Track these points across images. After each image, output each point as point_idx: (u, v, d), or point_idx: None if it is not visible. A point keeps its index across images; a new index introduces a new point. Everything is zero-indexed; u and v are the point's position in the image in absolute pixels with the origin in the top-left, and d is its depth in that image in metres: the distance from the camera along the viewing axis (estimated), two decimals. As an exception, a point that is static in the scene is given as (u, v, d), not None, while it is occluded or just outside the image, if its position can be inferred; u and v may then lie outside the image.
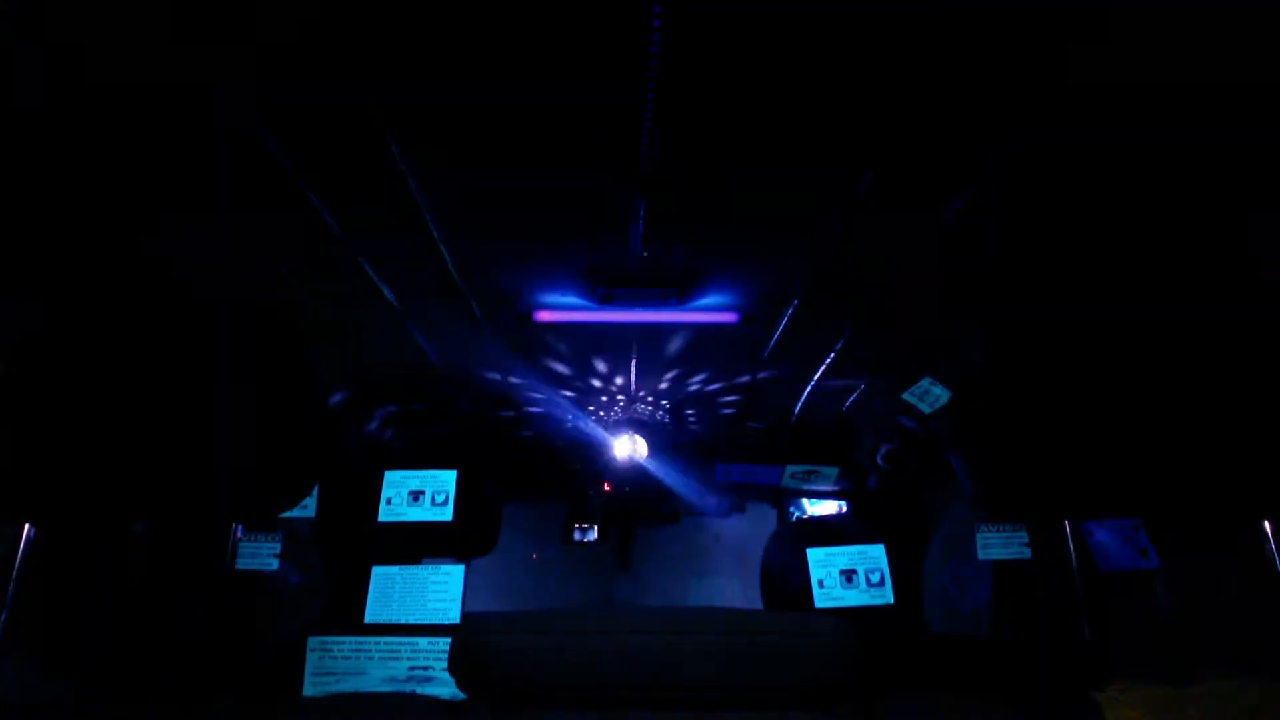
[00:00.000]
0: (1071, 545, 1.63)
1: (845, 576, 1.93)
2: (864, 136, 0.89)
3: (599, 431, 2.23)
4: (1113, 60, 0.76)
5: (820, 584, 1.92)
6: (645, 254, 1.18)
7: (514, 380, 1.85)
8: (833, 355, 1.62)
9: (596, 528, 3.20)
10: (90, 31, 0.73)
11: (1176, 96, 0.82)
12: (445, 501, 1.87)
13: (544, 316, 1.41)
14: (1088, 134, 0.88)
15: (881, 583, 1.92)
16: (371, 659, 1.72)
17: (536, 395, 1.97)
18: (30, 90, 0.80)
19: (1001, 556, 1.74)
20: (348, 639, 1.73)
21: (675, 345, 1.61)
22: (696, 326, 1.48)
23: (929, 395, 1.75)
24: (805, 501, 3.02)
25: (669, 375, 1.81)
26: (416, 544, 1.92)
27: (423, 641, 1.74)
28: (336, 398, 1.84)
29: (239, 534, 1.74)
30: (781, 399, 1.95)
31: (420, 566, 1.82)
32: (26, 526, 1.28)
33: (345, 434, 1.97)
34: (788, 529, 2.88)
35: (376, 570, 1.80)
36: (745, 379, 1.80)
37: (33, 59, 0.75)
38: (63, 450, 0.83)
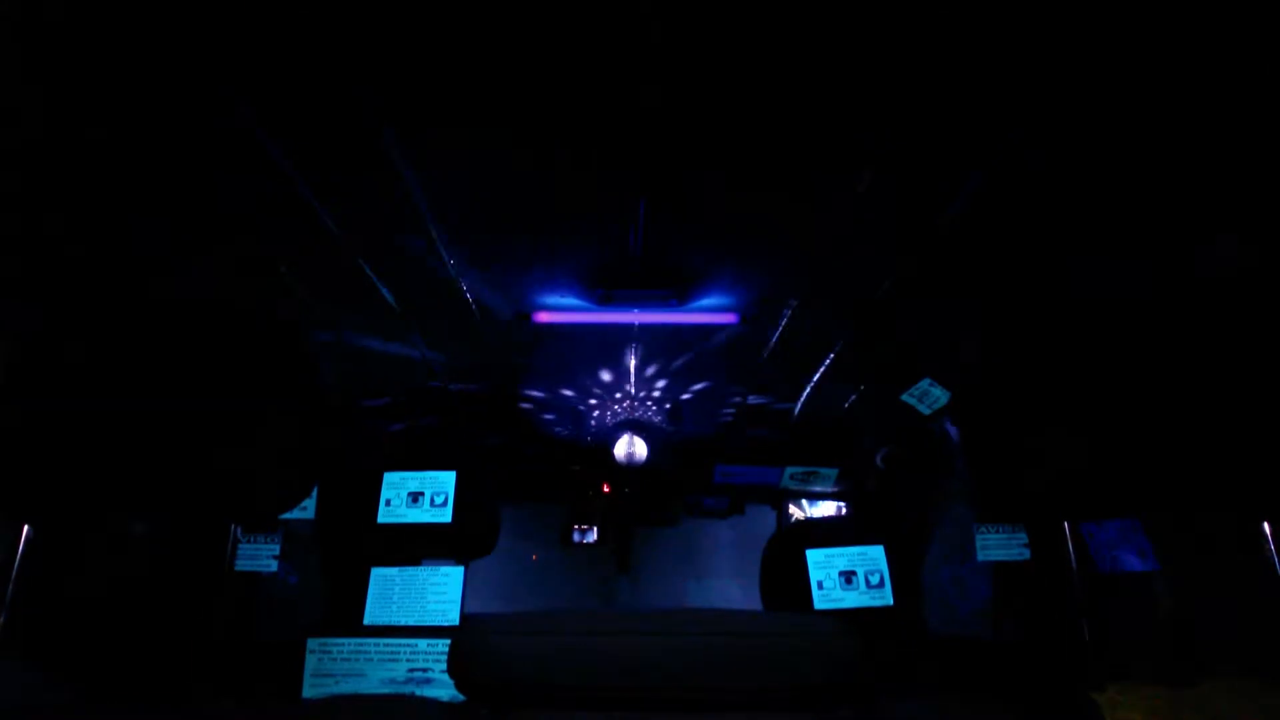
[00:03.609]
0: (1071, 546, 1.63)
1: (845, 578, 1.93)
2: (864, 136, 0.90)
3: (598, 432, 2.23)
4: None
5: (820, 585, 1.92)
6: (645, 254, 1.18)
7: (513, 381, 1.85)
8: (832, 356, 1.62)
9: (596, 529, 3.20)
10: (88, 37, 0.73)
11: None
12: (445, 503, 1.87)
13: (543, 317, 1.41)
14: (1087, 134, 0.88)
15: (881, 584, 1.92)
16: (371, 660, 1.72)
17: (536, 396, 1.97)
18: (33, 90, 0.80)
19: (1001, 557, 1.74)
20: (347, 640, 1.73)
21: (675, 346, 1.62)
22: (696, 327, 1.48)
23: (929, 396, 1.75)
24: (805, 502, 3.02)
25: (669, 376, 1.81)
26: (416, 545, 1.92)
27: (422, 643, 1.74)
28: (335, 398, 1.84)
29: (239, 535, 1.74)
30: (781, 400, 1.95)
31: (420, 568, 1.82)
32: (26, 526, 1.28)
33: (344, 435, 1.97)
34: (787, 530, 2.88)
35: (376, 572, 1.80)
36: (745, 380, 1.81)
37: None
38: (62, 451, 0.83)
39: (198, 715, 1.03)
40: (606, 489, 2.67)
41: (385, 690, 1.69)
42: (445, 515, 1.86)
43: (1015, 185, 0.98)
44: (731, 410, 2.05)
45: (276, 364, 1.00)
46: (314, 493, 1.80)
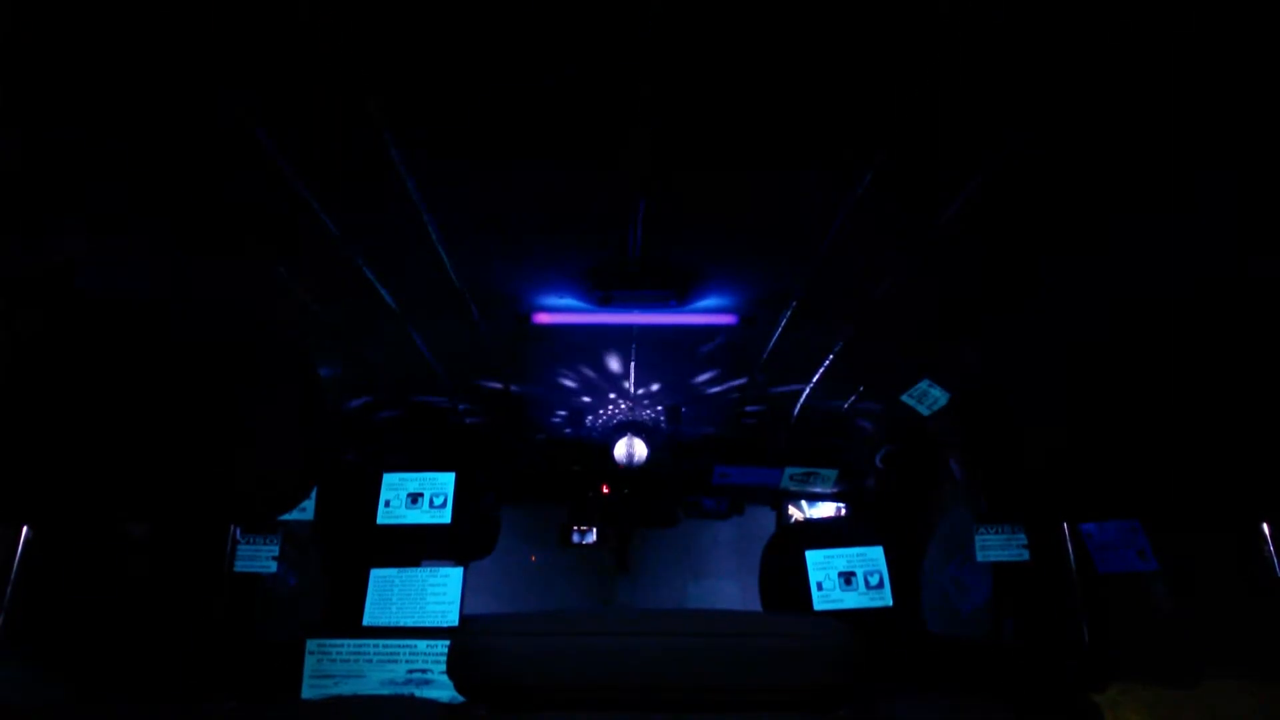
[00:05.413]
0: (1070, 547, 1.63)
1: (844, 578, 1.93)
2: (863, 138, 0.90)
3: (598, 433, 2.23)
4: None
5: (819, 586, 1.92)
6: (645, 254, 1.18)
7: (512, 382, 1.85)
8: (831, 357, 1.62)
9: (595, 530, 3.20)
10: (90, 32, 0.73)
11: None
12: (444, 504, 1.87)
13: (543, 318, 1.41)
14: (1088, 133, 0.88)
15: (880, 584, 1.93)
16: (370, 661, 1.72)
17: (535, 397, 1.97)
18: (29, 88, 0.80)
19: (1000, 558, 1.74)
20: (346, 641, 1.73)
21: (674, 347, 1.62)
22: (696, 328, 1.48)
23: (928, 397, 1.75)
24: (804, 503, 3.02)
25: (668, 377, 1.81)
26: (415, 546, 1.92)
27: (421, 644, 1.74)
28: (335, 399, 1.84)
29: (238, 536, 1.74)
30: (780, 401, 1.95)
31: (419, 569, 1.82)
32: (26, 526, 1.28)
33: (343, 436, 1.97)
34: (786, 531, 2.89)
35: (375, 573, 1.80)
36: (744, 381, 1.81)
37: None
38: (61, 452, 0.83)
39: (198, 715, 1.03)
40: (606, 489, 2.67)
41: (384, 691, 1.69)
42: (444, 516, 1.86)
43: (1015, 185, 0.98)
44: (730, 411, 2.05)
45: (274, 365, 0.99)
46: (314, 493, 1.79)
